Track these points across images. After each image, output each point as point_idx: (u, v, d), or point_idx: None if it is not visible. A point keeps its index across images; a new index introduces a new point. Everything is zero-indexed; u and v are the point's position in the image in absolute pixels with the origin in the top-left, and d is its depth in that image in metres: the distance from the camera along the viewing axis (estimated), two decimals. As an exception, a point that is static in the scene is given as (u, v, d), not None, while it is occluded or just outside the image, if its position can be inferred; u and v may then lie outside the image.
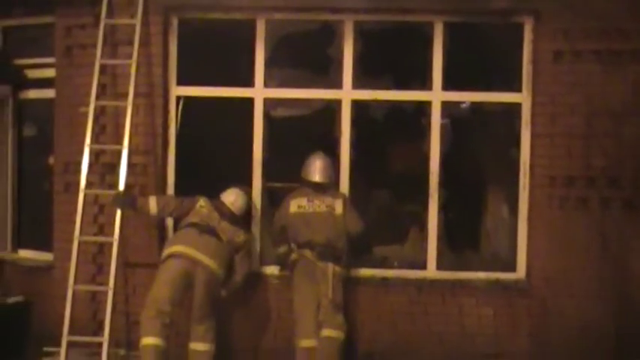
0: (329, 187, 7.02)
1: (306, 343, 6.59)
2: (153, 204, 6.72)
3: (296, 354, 6.68)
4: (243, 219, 7.03)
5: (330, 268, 6.68)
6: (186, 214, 6.78)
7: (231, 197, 6.97)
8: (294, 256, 6.85)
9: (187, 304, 6.65)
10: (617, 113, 6.89)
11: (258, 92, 7.30)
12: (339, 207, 6.89)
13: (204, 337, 6.67)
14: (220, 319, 6.90)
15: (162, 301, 6.39)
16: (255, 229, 7.29)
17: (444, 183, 7.28)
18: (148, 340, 6.37)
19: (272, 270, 7.14)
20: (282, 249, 6.94)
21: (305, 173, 7.04)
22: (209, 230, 6.66)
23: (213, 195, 6.89)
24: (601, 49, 6.90)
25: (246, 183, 7.30)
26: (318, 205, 6.88)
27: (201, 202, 6.83)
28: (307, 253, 6.75)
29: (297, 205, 6.90)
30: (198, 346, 6.66)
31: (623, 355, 6.85)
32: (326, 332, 6.59)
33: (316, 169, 7.01)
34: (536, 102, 7.05)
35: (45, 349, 6.92)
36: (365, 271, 7.23)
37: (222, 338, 6.91)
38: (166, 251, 6.61)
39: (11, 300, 7.58)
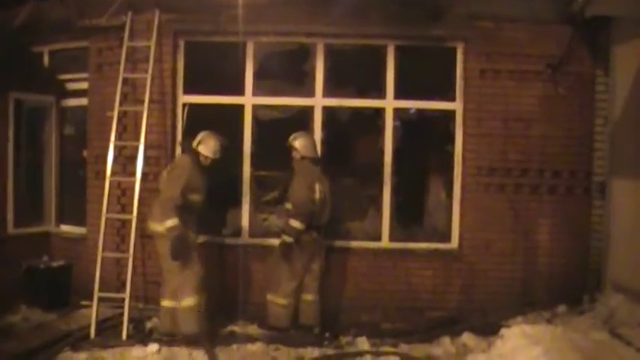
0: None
1: (285, 301, 7.01)
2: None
3: (269, 308, 7.05)
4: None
5: (324, 243, 7.29)
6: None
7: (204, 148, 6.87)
8: (306, 237, 6.93)
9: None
10: (527, 119, 7.66)
11: (248, 99, 7.88)
12: (328, 191, 7.14)
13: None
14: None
15: None
16: (246, 207, 7.81)
17: (395, 172, 7.90)
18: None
19: (288, 238, 6.91)
20: (303, 226, 6.86)
21: (306, 150, 7.06)
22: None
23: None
24: (514, 69, 7.64)
25: (238, 172, 7.80)
26: (324, 190, 7.07)
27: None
28: (315, 234, 7.03)
29: (319, 190, 6.93)
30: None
31: (527, 297, 7.62)
32: (309, 297, 7.11)
33: (313, 145, 7.16)
34: (467, 109, 7.74)
35: (82, 302, 7.58)
36: (334, 242, 7.74)
37: (231, 293, 7.54)
38: None
39: (56, 264, 8.07)
